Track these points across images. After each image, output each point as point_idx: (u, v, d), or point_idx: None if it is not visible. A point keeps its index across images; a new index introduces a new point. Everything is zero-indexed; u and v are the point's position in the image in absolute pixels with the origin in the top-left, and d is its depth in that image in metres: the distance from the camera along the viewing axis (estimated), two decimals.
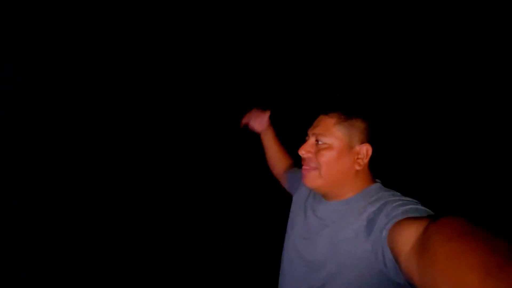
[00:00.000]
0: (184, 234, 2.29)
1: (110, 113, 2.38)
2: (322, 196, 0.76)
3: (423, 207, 0.53)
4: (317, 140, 0.72)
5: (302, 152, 0.73)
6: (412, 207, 0.53)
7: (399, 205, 0.55)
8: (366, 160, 0.70)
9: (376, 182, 0.73)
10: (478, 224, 0.34)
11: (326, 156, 0.69)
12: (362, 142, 0.70)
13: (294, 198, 0.93)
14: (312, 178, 0.71)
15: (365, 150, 0.70)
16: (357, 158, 0.69)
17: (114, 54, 2.30)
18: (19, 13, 1.93)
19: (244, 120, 1.19)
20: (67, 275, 1.90)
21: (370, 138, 0.70)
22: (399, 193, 0.65)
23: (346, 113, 0.70)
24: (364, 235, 0.58)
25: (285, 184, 1.08)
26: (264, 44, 2.38)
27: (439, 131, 2.34)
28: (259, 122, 1.16)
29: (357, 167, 0.70)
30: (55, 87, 2.20)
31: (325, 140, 0.70)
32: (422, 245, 0.38)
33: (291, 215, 0.89)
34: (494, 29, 1.99)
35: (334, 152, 0.69)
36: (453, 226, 0.35)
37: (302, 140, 0.77)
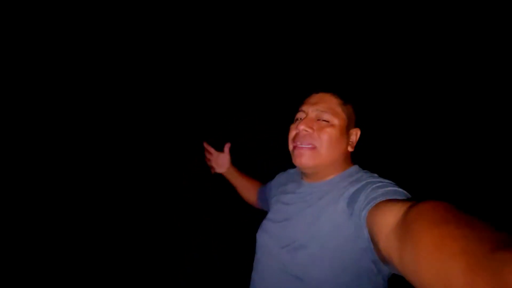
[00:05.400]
0: (180, 234, 2.29)
1: (109, 113, 2.39)
2: (306, 176, 0.75)
3: (402, 190, 0.53)
4: (320, 118, 0.69)
5: (303, 127, 0.68)
6: (392, 189, 0.53)
7: (379, 187, 0.54)
8: (355, 143, 0.73)
9: (354, 164, 0.74)
10: (462, 209, 0.33)
11: (330, 134, 0.67)
12: (355, 126, 0.73)
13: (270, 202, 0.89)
14: (311, 157, 0.67)
15: (356, 134, 0.73)
16: (350, 141, 0.72)
17: (114, 54, 2.31)
18: (19, 13, 1.94)
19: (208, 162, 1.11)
20: (67, 275, 1.90)
21: (358, 124, 0.74)
22: (376, 174, 0.66)
23: (347, 96, 0.71)
24: (346, 215, 0.58)
25: (260, 206, 1.06)
26: (259, 46, 2.40)
27: (435, 131, 2.36)
28: (220, 162, 1.08)
29: (350, 149, 0.72)
30: (55, 87, 2.21)
31: (329, 118, 0.68)
32: (403, 229, 0.37)
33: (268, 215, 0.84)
34: (483, 25, 2.02)
35: (337, 131, 0.68)
36: (436, 211, 0.34)
37: None
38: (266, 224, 0.78)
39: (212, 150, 1.11)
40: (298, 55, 2.43)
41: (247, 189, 1.12)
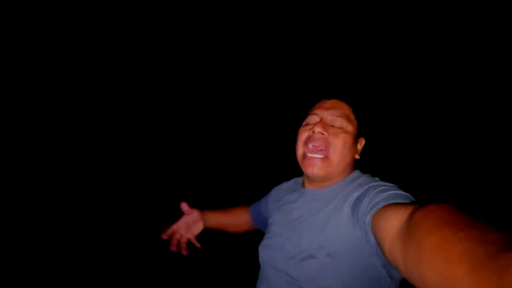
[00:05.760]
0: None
1: (109, 113, 2.39)
2: (310, 183, 0.73)
3: (405, 193, 0.53)
4: (334, 123, 0.68)
5: (319, 129, 0.65)
6: (395, 192, 0.52)
7: (382, 190, 0.54)
8: (360, 151, 0.74)
9: (356, 169, 0.75)
10: (466, 212, 0.33)
11: (344, 140, 0.66)
12: (361, 135, 0.74)
13: (270, 215, 0.84)
14: (322, 167, 0.65)
15: (361, 143, 0.74)
16: (357, 149, 0.73)
17: (114, 55, 2.31)
18: (19, 13, 1.94)
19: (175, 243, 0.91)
20: (67, 275, 1.90)
21: (363, 133, 0.75)
22: (377, 178, 0.66)
23: (357, 105, 0.72)
24: (352, 221, 0.57)
25: (256, 226, 0.98)
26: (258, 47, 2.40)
27: (434, 133, 2.37)
28: (191, 223, 0.91)
29: (357, 157, 0.72)
30: (55, 87, 2.20)
31: (344, 124, 0.67)
32: (408, 232, 0.36)
33: (269, 226, 0.80)
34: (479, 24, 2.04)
35: (350, 138, 0.67)
36: (440, 213, 0.34)
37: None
38: (269, 237, 0.75)
39: (173, 228, 0.92)
40: (297, 56, 2.43)
41: (236, 220, 1.00)
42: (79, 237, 2.11)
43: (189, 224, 0.92)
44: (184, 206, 0.90)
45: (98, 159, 2.35)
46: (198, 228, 0.93)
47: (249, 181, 2.43)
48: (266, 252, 0.72)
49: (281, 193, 0.85)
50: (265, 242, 0.76)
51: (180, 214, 0.96)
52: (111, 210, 2.27)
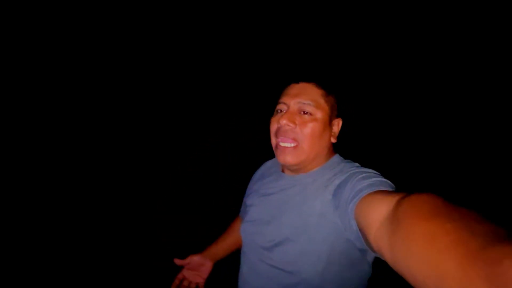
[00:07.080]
0: (179, 233, 2.30)
1: (109, 113, 2.39)
2: (289, 170, 0.72)
3: (387, 180, 0.52)
4: (302, 111, 0.65)
5: (285, 121, 0.64)
6: (377, 179, 0.52)
7: (364, 178, 0.53)
8: (337, 134, 0.70)
9: (335, 153, 0.72)
10: (450, 201, 0.33)
11: (312, 129, 0.64)
12: (337, 117, 0.70)
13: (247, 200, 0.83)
14: (294, 155, 0.64)
15: (338, 124, 0.70)
16: (332, 132, 0.69)
17: (114, 55, 2.31)
18: (19, 13, 1.95)
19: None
20: (67, 275, 1.90)
21: (340, 113, 0.71)
22: (358, 164, 0.65)
23: (331, 87, 0.68)
24: (332, 208, 0.57)
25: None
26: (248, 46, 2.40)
27: (415, 120, 2.36)
28: (199, 268, 0.85)
29: (333, 140, 0.69)
30: (54, 87, 2.21)
31: (312, 110, 0.64)
32: (394, 223, 0.36)
33: (247, 210, 0.79)
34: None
35: (320, 125, 0.64)
36: (427, 204, 0.33)
37: None
38: (248, 219, 0.75)
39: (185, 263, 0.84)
40: (297, 55, 2.43)
41: (238, 236, 0.90)
42: (79, 237, 2.11)
43: (195, 270, 0.87)
44: (178, 261, 0.84)
45: (97, 159, 2.36)
46: (207, 269, 0.88)
47: (249, 181, 2.43)
48: (246, 234, 0.73)
49: (260, 175, 0.86)
50: (245, 225, 0.76)
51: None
52: (111, 210, 2.28)
